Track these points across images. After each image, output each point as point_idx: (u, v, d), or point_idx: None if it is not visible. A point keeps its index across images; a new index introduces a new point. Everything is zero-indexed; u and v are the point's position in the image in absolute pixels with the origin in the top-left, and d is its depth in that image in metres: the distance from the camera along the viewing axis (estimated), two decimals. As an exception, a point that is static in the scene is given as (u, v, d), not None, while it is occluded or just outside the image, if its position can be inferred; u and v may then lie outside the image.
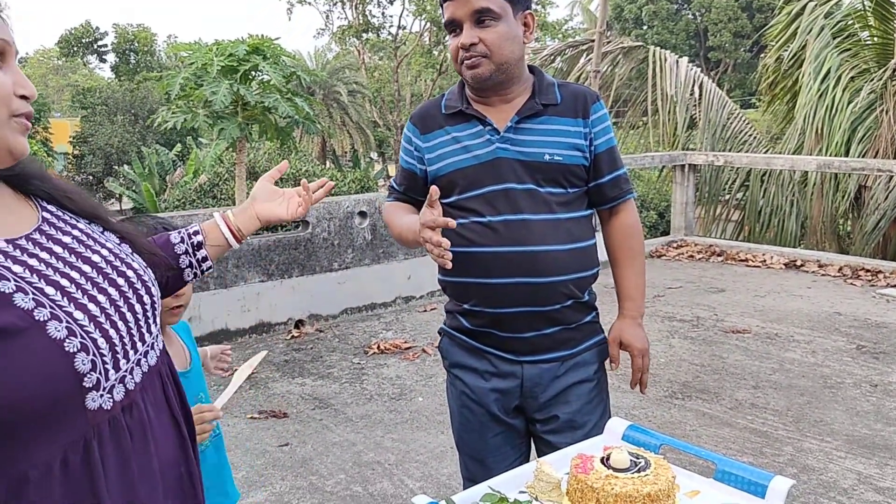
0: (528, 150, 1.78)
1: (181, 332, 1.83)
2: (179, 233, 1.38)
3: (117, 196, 22.52)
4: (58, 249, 1.01)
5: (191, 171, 16.37)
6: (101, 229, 1.12)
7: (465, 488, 1.85)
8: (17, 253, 0.95)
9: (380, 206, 5.76)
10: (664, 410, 3.80)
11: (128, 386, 0.99)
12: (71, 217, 1.09)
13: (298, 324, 5.35)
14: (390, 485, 3.12)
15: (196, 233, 1.38)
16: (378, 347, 4.85)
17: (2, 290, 0.89)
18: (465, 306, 1.86)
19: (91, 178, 26.19)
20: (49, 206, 1.08)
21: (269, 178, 1.49)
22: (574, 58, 11.14)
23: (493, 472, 1.59)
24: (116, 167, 23.13)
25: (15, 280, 0.91)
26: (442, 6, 1.79)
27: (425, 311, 5.73)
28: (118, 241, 1.12)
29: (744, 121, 10.15)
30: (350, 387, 4.23)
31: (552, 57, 11.04)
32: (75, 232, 1.06)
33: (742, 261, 7.20)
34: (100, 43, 42.09)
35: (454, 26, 1.77)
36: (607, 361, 1.98)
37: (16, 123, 0.97)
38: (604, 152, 1.84)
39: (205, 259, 1.38)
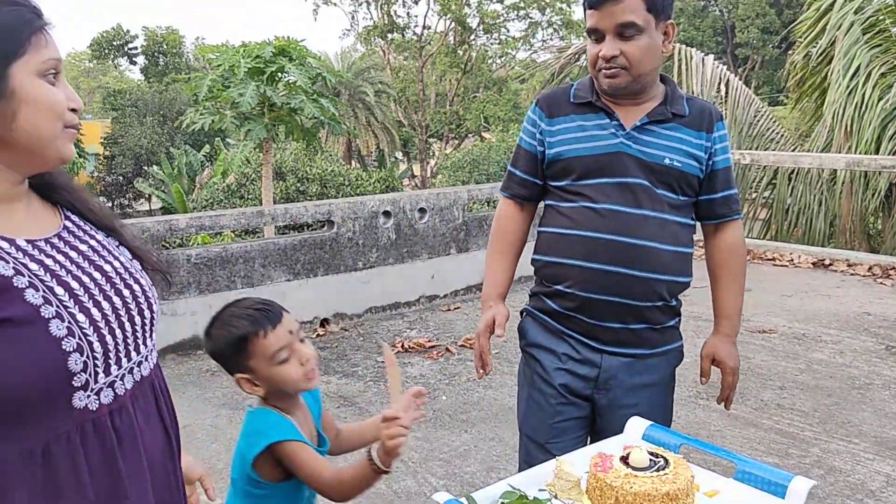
0: (651, 150, 1.82)
1: (309, 398, 1.71)
2: None
3: (146, 196, 22.87)
4: (73, 255, 1.07)
5: (219, 172, 16.58)
6: (116, 243, 1.17)
7: (519, 471, 1.88)
8: (35, 252, 1.01)
9: (404, 206, 5.80)
10: (689, 410, 3.78)
11: (117, 391, 1.05)
12: (91, 228, 1.15)
13: (324, 322, 5.41)
14: (413, 483, 3.15)
15: None
16: (402, 346, 4.88)
17: (16, 284, 0.95)
18: (558, 287, 1.89)
19: (121, 178, 26.59)
20: (72, 216, 1.14)
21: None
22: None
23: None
24: (146, 168, 23.47)
25: (29, 276, 0.97)
26: (585, 12, 1.81)
27: (449, 310, 5.75)
28: (130, 257, 1.17)
29: (771, 118, 10.02)
30: (374, 385, 4.27)
31: (577, 56, 10.98)
32: (92, 242, 1.12)
33: (769, 260, 7.12)
34: (130, 46, 42.69)
35: (596, 34, 1.79)
36: (698, 375, 2.02)
37: (67, 133, 1.04)
38: (721, 170, 1.90)
39: None
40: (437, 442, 3.52)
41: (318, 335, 5.23)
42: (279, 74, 8.37)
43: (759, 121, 9.87)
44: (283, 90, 8.54)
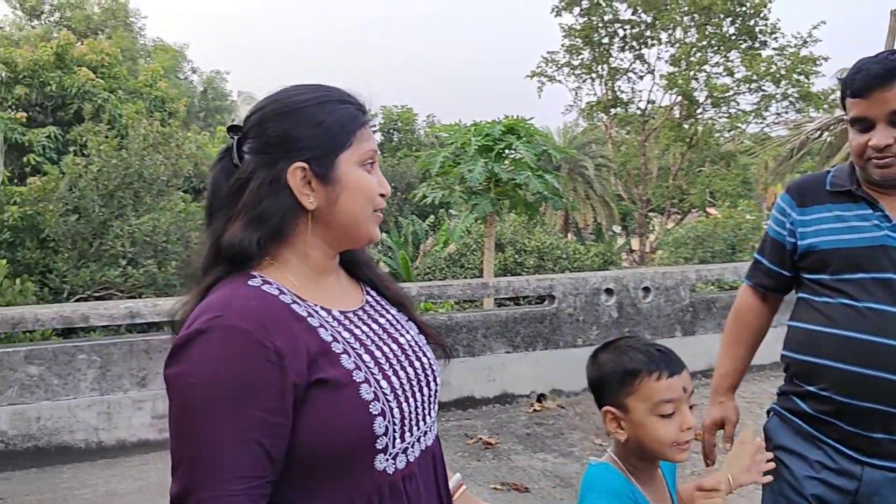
0: None
1: (667, 472, 1.59)
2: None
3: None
4: (374, 327, 1.18)
5: (441, 241, 17.42)
6: (406, 318, 1.27)
7: None
8: (347, 322, 1.13)
9: (627, 284, 5.69)
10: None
11: (409, 457, 1.11)
12: (386, 303, 1.27)
13: (540, 397, 5.39)
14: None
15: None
16: (621, 430, 4.71)
17: (334, 349, 1.06)
18: (810, 388, 1.77)
19: (354, 244, 28.89)
20: (371, 292, 1.27)
21: None
22: (846, 131, 10.24)
23: None
24: (377, 235, 25.35)
25: (343, 343, 1.08)
26: (845, 100, 1.73)
27: (671, 395, 5.48)
28: (417, 332, 1.26)
29: None
30: (592, 468, 4.15)
31: (818, 132, 10.25)
32: (388, 316, 1.23)
33: None
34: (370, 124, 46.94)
35: (862, 123, 1.69)
36: None
37: (375, 216, 1.16)
38: None
39: None
40: (658, 538, 3.32)
41: (534, 410, 5.22)
42: (506, 151, 8.74)
43: None
44: (510, 166, 8.88)
